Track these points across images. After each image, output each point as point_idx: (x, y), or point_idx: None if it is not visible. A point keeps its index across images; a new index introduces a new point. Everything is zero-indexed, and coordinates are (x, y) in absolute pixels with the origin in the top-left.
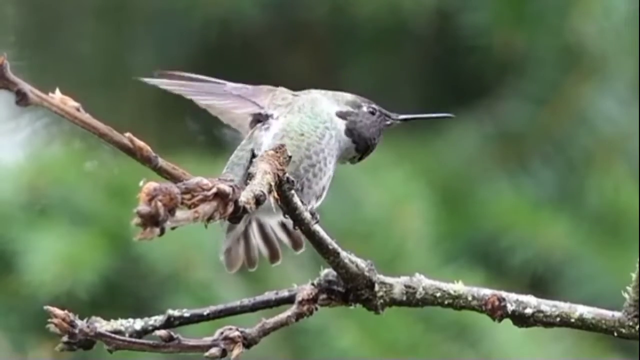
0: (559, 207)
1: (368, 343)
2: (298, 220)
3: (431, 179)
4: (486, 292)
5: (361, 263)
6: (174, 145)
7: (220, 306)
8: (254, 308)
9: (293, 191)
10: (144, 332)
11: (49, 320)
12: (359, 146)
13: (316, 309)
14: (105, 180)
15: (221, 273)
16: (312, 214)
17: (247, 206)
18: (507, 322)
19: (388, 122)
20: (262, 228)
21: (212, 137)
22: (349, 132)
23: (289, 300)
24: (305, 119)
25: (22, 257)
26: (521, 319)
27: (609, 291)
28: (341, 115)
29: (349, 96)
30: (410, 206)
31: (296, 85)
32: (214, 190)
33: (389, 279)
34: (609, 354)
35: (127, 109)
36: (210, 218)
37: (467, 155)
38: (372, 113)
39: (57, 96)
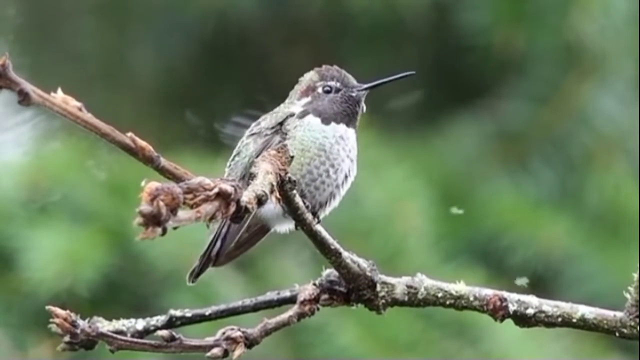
0: (559, 206)
1: (368, 340)
2: (300, 221)
3: (431, 177)
4: (488, 292)
5: (363, 263)
6: (174, 142)
7: (222, 306)
8: (255, 308)
9: (295, 191)
10: (146, 332)
11: (51, 320)
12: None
13: (318, 309)
14: (106, 178)
15: (221, 271)
16: (314, 214)
17: (249, 206)
18: (508, 320)
19: (353, 94)
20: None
21: (212, 132)
22: (323, 120)
23: (291, 300)
24: (307, 134)
25: (22, 255)
26: (523, 319)
27: (608, 290)
28: (304, 112)
29: (304, 81)
30: (410, 204)
31: (294, 80)
32: (216, 190)
33: (390, 279)
34: (609, 353)
35: (127, 106)
36: (212, 218)
37: (467, 154)
38: (328, 92)
39: (59, 96)
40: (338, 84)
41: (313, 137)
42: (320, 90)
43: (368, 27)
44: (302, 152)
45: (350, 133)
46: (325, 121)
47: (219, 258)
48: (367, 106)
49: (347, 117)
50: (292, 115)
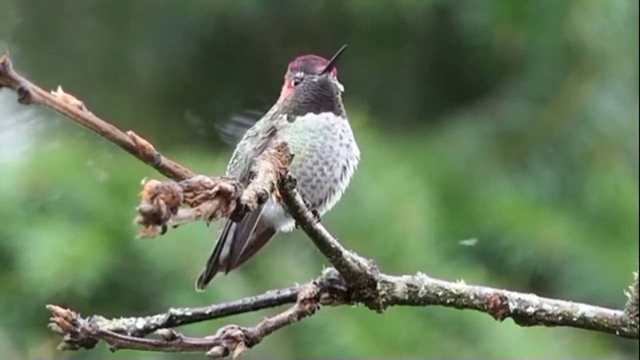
0: (559, 205)
1: (368, 340)
2: (300, 219)
3: (431, 177)
4: (488, 291)
5: (363, 262)
6: (174, 142)
7: (223, 305)
8: (256, 307)
9: (295, 190)
10: (146, 330)
11: (51, 319)
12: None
13: (318, 307)
14: (106, 178)
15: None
16: (314, 213)
17: (250, 204)
18: (508, 319)
19: (314, 79)
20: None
21: (212, 132)
22: (297, 113)
23: (291, 299)
24: (295, 136)
25: (22, 254)
26: (523, 318)
27: (608, 290)
28: (276, 113)
29: (285, 81)
30: (410, 204)
31: None
32: (216, 188)
33: (391, 278)
34: (609, 352)
35: (127, 106)
36: (212, 216)
37: (467, 154)
38: (297, 84)
39: (59, 94)
40: (301, 74)
41: (301, 138)
42: (292, 84)
43: (368, 27)
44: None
45: (333, 119)
46: (302, 114)
47: (231, 265)
48: (368, 106)
49: (321, 103)
50: (281, 117)
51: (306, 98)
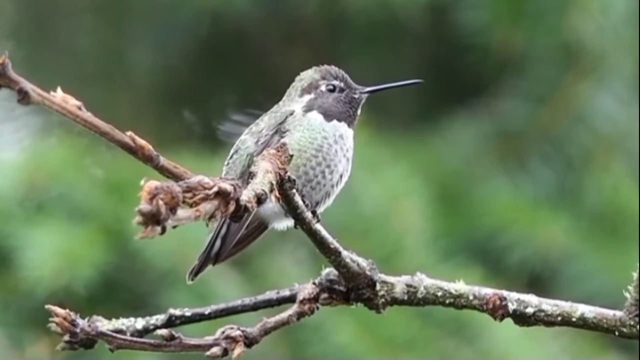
0: (558, 205)
1: (365, 338)
2: (299, 220)
3: (429, 176)
4: (487, 291)
5: (362, 262)
6: (171, 140)
7: (222, 305)
8: (255, 307)
9: (294, 190)
10: (145, 331)
11: (50, 319)
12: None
13: (317, 308)
14: (103, 176)
15: (219, 269)
16: (314, 213)
17: (249, 205)
18: (506, 319)
19: (355, 96)
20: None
21: (209, 130)
22: (326, 117)
23: (290, 299)
24: (306, 134)
25: (20, 253)
26: (522, 318)
27: (606, 289)
28: (308, 108)
29: (306, 79)
30: (408, 203)
31: (291, 78)
32: (215, 188)
33: (390, 278)
34: (606, 352)
35: (125, 104)
36: (211, 217)
37: (465, 153)
38: (332, 90)
39: (58, 95)
40: (342, 84)
41: (311, 137)
42: (323, 88)
43: (366, 26)
44: (299, 153)
45: (349, 133)
46: (328, 119)
47: (219, 258)
48: (365, 104)
49: (349, 117)
50: (291, 114)
51: (340, 109)
